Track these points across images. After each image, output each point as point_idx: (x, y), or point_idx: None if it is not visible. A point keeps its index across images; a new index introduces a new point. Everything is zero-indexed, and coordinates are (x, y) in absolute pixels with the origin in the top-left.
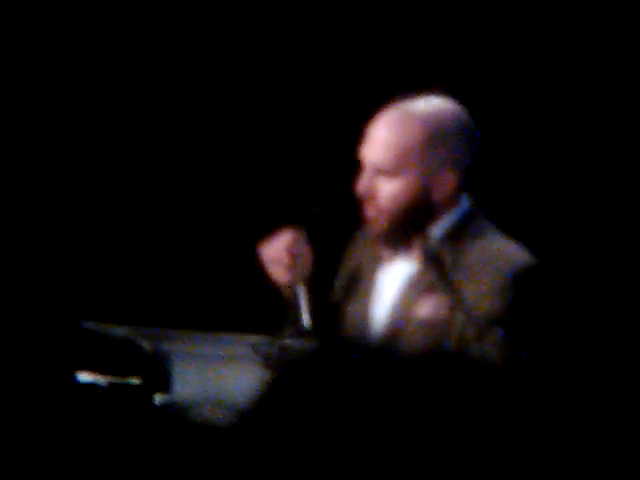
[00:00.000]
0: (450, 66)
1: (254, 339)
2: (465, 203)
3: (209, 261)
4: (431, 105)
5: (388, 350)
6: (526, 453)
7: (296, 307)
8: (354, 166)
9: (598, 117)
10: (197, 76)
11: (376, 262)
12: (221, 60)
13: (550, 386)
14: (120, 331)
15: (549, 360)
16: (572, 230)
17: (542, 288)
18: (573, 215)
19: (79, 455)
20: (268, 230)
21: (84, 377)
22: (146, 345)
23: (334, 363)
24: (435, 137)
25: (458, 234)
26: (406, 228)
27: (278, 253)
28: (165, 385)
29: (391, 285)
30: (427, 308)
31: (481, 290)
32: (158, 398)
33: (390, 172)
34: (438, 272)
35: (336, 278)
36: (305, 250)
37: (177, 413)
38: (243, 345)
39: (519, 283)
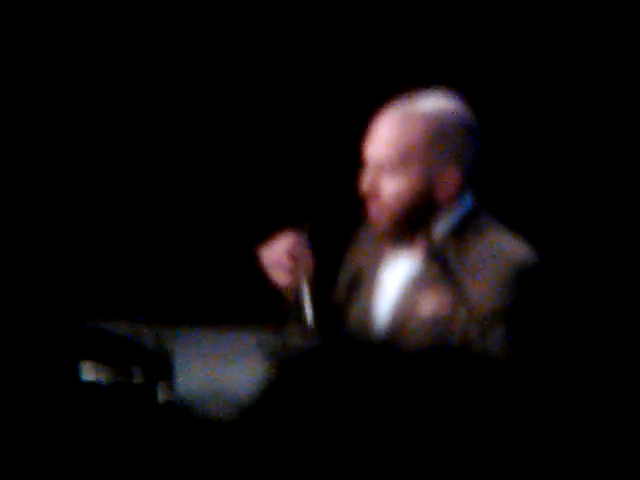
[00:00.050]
0: (452, 63)
1: (258, 335)
2: (468, 200)
3: (213, 257)
4: (434, 102)
5: (391, 347)
6: (527, 448)
7: (298, 307)
8: (357, 164)
9: (600, 115)
10: (196, 74)
11: (379, 259)
12: (220, 58)
13: (552, 383)
14: (123, 328)
15: (552, 357)
16: (575, 226)
17: (545, 285)
18: (576, 211)
19: (81, 452)
20: (270, 225)
21: (87, 373)
22: (149, 341)
23: (337, 360)
24: (438, 134)
25: (461, 231)
26: (409, 226)
27: (278, 256)
28: (168, 381)
29: (394, 282)
30: (430, 305)
31: (484, 287)
32: (161, 394)
33: (393, 170)
34: (441, 269)
35: (339, 275)
36: (305, 252)
37: (180, 409)
38: (247, 341)
39: (522, 280)
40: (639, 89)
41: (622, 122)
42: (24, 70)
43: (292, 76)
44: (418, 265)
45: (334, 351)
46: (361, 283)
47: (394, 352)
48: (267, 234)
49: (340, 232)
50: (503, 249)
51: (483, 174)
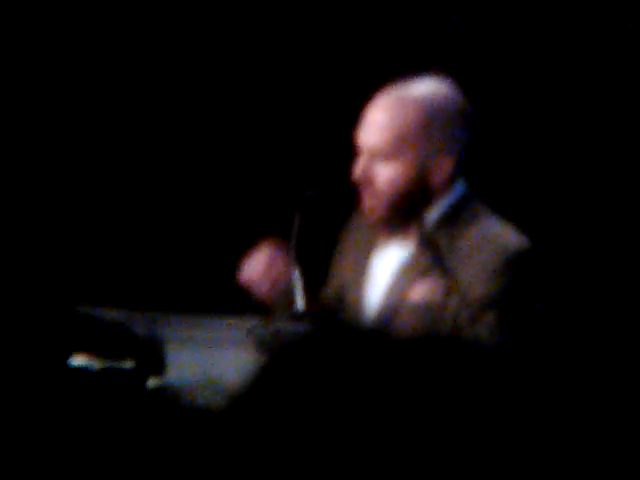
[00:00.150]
0: (444, 49)
1: (248, 323)
2: (460, 187)
3: (203, 245)
4: (427, 88)
5: (382, 334)
6: (519, 436)
7: (289, 295)
8: (350, 150)
9: (591, 102)
10: (185, 68)
11: (371, 246)
12: (210, 48)
13: (543, 369)
14: (114, 315)
15: (542, 343)
16: (566, 213)
17: (536, 271)
18: (567, 198)
19: (71, 439)
20: (262, 214)
21: (78, 361)
22: (140, 329)
23: (328, 347)
24: (432, 120)
25: (453, 218)
26: (403, 212)
27: (258, 272)
28: (159, 369)
29: (386, 269)
30: (421, 292)
31: (475, 273)
32: (151, 382)
33: (387, 156)
34: (433, 256)
35: (331, 263)
36: (284, 264)
37: (171, 397)
38: (237, 329)
39: (513, 266)
40: (623, 78)
41: (611, 113)
42: (24, 70)
43: (284, 65)
44: (410, 252)
45: (325, 338)
46: (353, 270)
47: (385, 339)
48: (258, 221)
49: (332, 219)
50: (495, 236)
51: (475, 160)
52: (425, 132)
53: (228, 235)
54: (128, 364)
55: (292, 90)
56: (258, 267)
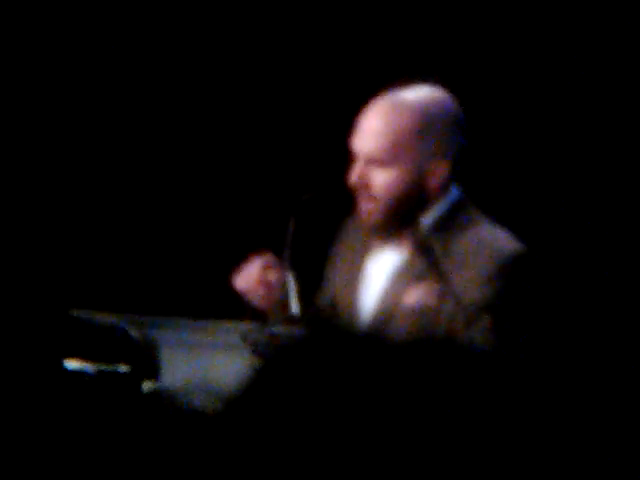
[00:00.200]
0: (437, 56)
1: (242, 326)
2: (454, 192)
3: (198, 248)
4: (421, 94)
5: (377, 337)
6: (514, 439)
7: (283, 299)
8: (344, 155)
9: (584, 104)
10: (179, 77)
11: (365, 251)
12: (204, 54)
13: (538, 372)
14: (109, 319)
15: (537, 347)
16: (560, 218)
17: (530, 276)
18: (561, 203)
19: (66, 443)
20: (257, 218)
21: (72, 365)
22: (134, 332)
23: (322, 350)
24: (426, 125)
25: (448, 223)
26: (399, 217)
27: (251, 284)
28: (153, 372)
29: (380, 273)
30: (416, 296)
31: (470, 278)
32: (146, 385)
33: (383, 162)
34: (428, 261)
35: (326, 267)
36: (278, 274)
37: (165, 400)
38: (231, 332)
39: (508, 271)
40: (617, 78)
41: (605, 114)
42: (24, 70)
43: (280, 70)
44: (405, 256)
45: (320, 342)
46: (348, 275)
47: (380, 343)
48: (253, 226)
49: (327, 224)
50: (489, 240)
51: (469, 166)
52: (420, 137)
53: (223, 239)
54: (123, 368)
55: (287, 96)
56: (251, 277)
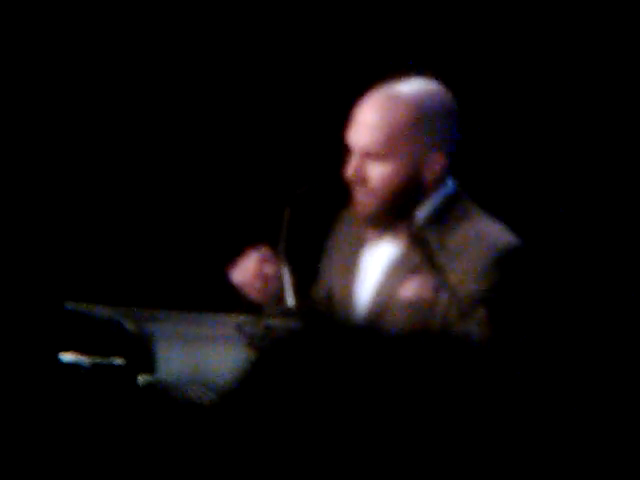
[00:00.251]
0: (431, 48)
1: (238, 319)
2: (450, 185)
3: (193, 241)
4: (416, 86)
5: (372, 331)
6: (511, 432)
7: (279, 293)
8: (339, 148)
9: (579, 99)
10: (173, 75)
11: (361, 243)
12: (200, 50)
13: (534, 365)
14: (104, 311)
15: (533, 340)
16: (555, 211)
17: (525, 269)
18: (556, 195)
19: (62, 436)
20: (252, 211)
21: (67, 358)
22: (130, 325)
23: (318, 343)
24: (422, 118)
25: (443, 215)
26: (395, 210)
27: (248, 277)
28: (149, 365)
29: (376, 266)
30: (411, 289)
31: (465, 271)
32: (142, 378)
33: (379, 155)
34: (423, 253)
35: (321, 260)
36: (275, 267)
37: (161, 393)
38: (227, 325)
39: (503, 264)
40: (611, 74)
41: (601, 109)
42: (24, 70)
43: (274, 66)
44: (400, 249)
45: (315, 335)
46: (343, 267)
47: (376, 336)
48: (248, 218)
49: (322, 217)
50: (485, 233)
51: (464, 158)
52: (416, 130)
53: (218, 231)
54: (118, 361)
55: (283, 90)
56: (248, 271)
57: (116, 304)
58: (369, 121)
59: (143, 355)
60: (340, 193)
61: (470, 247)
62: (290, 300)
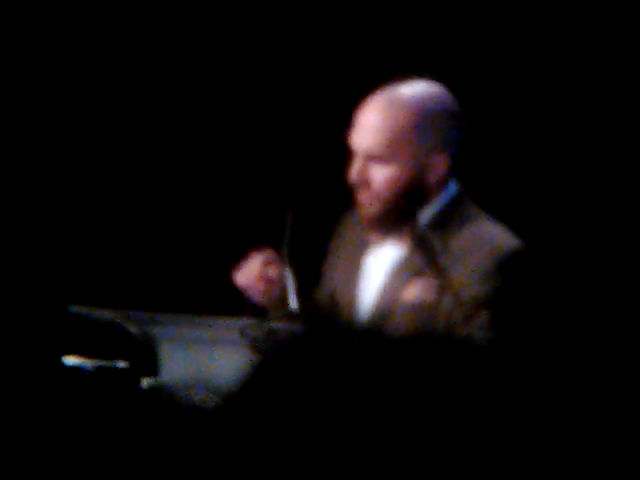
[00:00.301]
0: (434, 51)
1: (241, 322)
2: (453, 187)
3: (196, 244)
4: (418, 89)
5: (376, 334)
6: (513, 435)
7: (282, 295)
8: (341, 151)
9: (581, 102)
10: (174, 74)
11: (364, 245)
12: (200, 51)
13: (536, 368)
14: (107, 315)
15: (536, 343)
16: (559, 214)
17: (529, 272)
18: (559, 198)
19: (65, 438)
20: (255, 213)
21: (71, 360)
22: (133, 328)
23: (321, 346)
24: (425, 120)
25: (447, 218)
26: (398, 213)
27: (251, 279)
28: (152, 368)
29: (379, 269)
30: (415, 292)
31: (469, 274)
32: (145, 382)
33: (382, 157)
34: (427, 256)
35: (324, 263)
36: (278, 270)
37: (164, 397)
38: (230, 328)
39: (506, 267)
40: (612, 76)
41: (603, 112)
42: (24, 70)
43: (276, 67)
44: (403, 252)
45: (318, 338)
46: (346, 270)
47: (379, 339)
48: (251, 221)
49: (325, 219)
50: (488, 236)
51: (467, 161)
52: (418, 133)
53: (221, 234)
54: (121, 364)
55: (286, 93)
56: (252, 273)
57: (119, 307)
58: (372, 124)
59: (146, 358)
60: (343, 196)
61: (473, 250)
62: (293, 303)
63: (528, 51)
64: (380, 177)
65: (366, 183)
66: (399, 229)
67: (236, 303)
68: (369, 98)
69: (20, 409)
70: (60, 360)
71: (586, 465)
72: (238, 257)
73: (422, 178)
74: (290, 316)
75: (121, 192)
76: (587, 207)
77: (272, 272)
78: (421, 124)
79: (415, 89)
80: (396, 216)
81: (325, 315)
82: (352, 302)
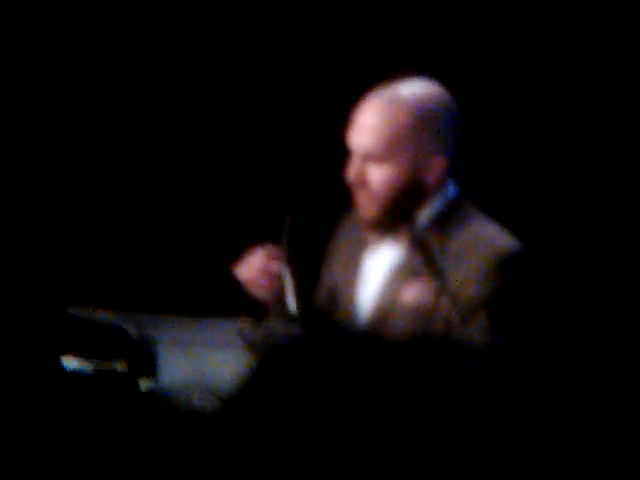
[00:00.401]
0: (432, 50)
1: (240, 324)
2: (451, 188)
3: (195, 246)
4: (416, 89)
5: (374, 335)
6: (511, 436)
7: (281, 297)
8: (341, 152)
9: (582, 98)
10: (177, 66)
11: (363, 247)
12: (199, 52)
13: (535, 369)
14: (106, 317)
15: (534, 344)
16: (557, 215)
17: (527, 273)
18: (558, 200)
19: (64, 441)
20: (254, 215)
21: (70, 362)
22: (132, 331)
23: (320, 348)
24: (423, 120)
25: (445, 219)
26: (397, 213)
27: (253, 274)
28: (151, 371)
29: (377, 270)
30: (413, 293)
31: (467, 275)
32: (144, 384)
33: (380, 157)
34: (425, 257)
35: (322, 265)
36: (280, 266)
37: (163, 399)
38: (229, 330)
39: (504, 268)
40: (612, 77)
41: (602, 113)
42: (24, 70)
43: (274, 68)
44: (401, 253)
45: (317, 339)
46: (345, 271)
47: (377, 340)
48: (250, 223)
49: (324, 221)
50: (486, 237)
51: (466, 162)
52: (416, 133)
53: (220, 236)
54: (120, 366)
55: (284, 93)
56: (254, 267)
57: (118, 309)
58: (369, 123)
59: (145, 360)
60: (341, 197)
61: (472, 251)
62: (292, 305)
63: (527, 52)
64: (377, 177)
65: (363, 183)
66: (397, 230)
67: (235, 305)
68: (367, 97)
69: (19, 411)
70: (59, 362)
71: (585, 466)
72: (236, 259)
73: (419, 179)
74: (288, 318)
75: (120, 194)
76: (585, 209)
77: (274, 266)
78: (419, 124)
79: (413, 89)
80: (394, 216)
81: (324, 317)
82: (350, 303)
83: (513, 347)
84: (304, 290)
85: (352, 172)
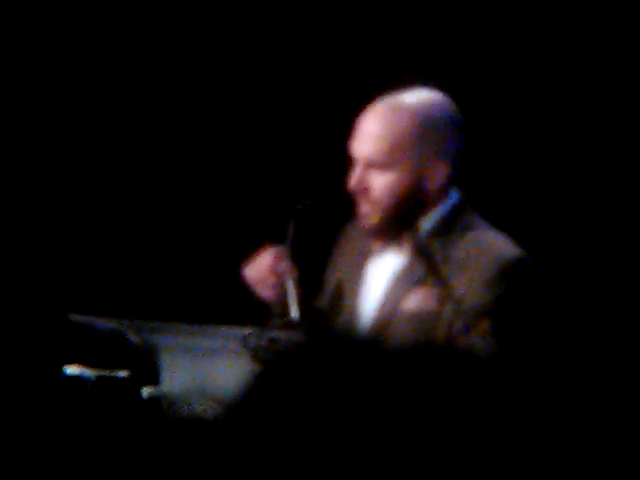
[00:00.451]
0: (436, 58)
1: (242, 331)
2: (454, 196)
3: (197, 253)
4: (419, 97)
5: (377, 342)
6: (514, 444)
7: (283, 304)
8: (344, 159)
9: (586, 109)
10: (178, 81)
11: (365, 254)
12: (203, 57)
13: (537, 378)
14: (108, 324)
15: (537, 352)
16: (560, 223)
17: (530, 281)
18: (561, 207)
19: (66, 448)
20: (257, 223)
21: (72, 370)
22: (134, 338)
23: (322, 355)
24: (426, 128)
25: (448, 227)
26: (399, 221)
27: (261, 274)
28: (153, 378)
29: (380, 278)
30: (416, 301)
31: (470, 283)
32: (146, 391)
33: (383, 165)
34: (427, 265)
35: (325, 272)
36: (288, 266)
37: (165, 406)
38: (231, 337)
39: (507, 276)
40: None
41: (605, 118)
42: (24, 70)
43: (278, 74)
44: (404, 260)
45: (319, 347)
46: (348, 279)
47: (380, 348)
48: (253, 231)
49: (327, 228)
50: (489, 245)
51: (469, 170)
52: (419, 141)
53: (223, 244)
54: (122, 373)
55: (288, 100)
56: (262, 267)
57: (120, 316)
58: (372, 131)
59: (147, 367)
60: (345, 205)
61: (474, 259)
62: (294, 312)
63: (532, 62)
64: (380, 184)
65: (366, 190)
66: (400, 237)
67: (237, 312)
68: (370, 105)
69: (21, 417)
70: (61, 369)
71: (585, 469)
72: (239, 267)
73: (422, 186)
74: (291, 325)
75: (123, 200)
76: (588, 217)
77: (282, 267)
78: (422, 132)
79: (417, 97)
80: (396, 224)
81: (326, 324)
82: (353, 310)
83: (516, 354)
84: (307, 297)
85: (355, 180)
